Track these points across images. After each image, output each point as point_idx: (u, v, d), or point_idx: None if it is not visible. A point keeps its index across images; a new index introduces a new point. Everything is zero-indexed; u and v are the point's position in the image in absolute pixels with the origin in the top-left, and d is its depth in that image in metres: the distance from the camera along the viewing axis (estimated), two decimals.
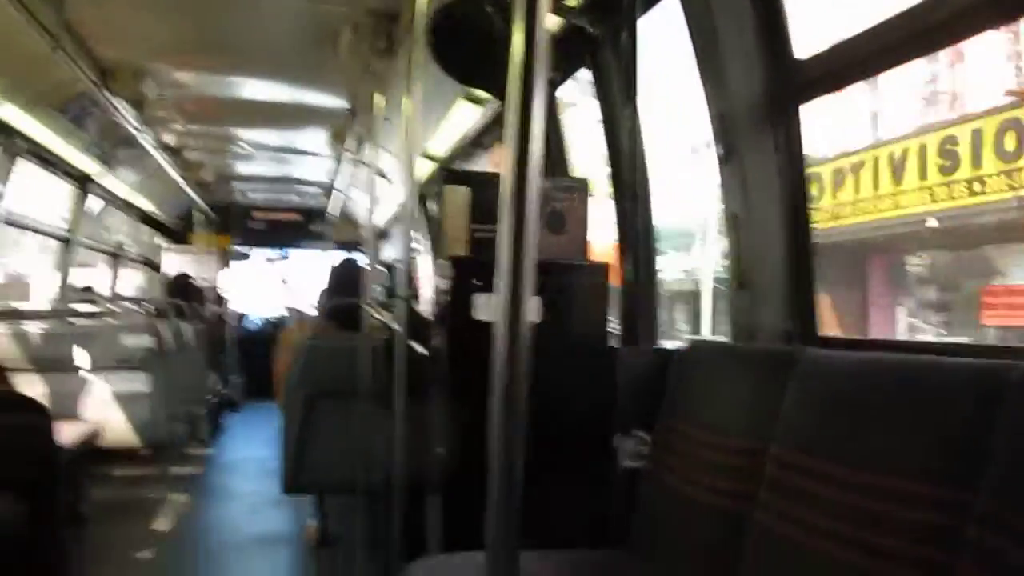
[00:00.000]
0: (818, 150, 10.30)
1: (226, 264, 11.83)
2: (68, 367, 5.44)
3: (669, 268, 13.04)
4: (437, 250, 2.64)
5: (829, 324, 10.59)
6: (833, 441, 1.65)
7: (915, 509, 1.41)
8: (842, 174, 10.35)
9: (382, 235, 10.64)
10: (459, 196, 2.52)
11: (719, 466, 2.00)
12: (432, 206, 7.30)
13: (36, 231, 7.01)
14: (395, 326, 2.83)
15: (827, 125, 9.67)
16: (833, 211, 10.38)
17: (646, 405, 2.39)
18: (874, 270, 11.17)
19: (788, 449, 1.76)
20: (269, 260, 12.58)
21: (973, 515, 1.30)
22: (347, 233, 11.18)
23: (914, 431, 1.48)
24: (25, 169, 5.62)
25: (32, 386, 5.31)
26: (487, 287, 2.29)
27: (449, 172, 2.96)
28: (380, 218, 8.80)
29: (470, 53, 2.73)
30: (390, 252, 11.25)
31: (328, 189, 9.24)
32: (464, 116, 4.68)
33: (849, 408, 1.65)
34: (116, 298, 8.29)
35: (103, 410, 5.45)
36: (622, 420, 2.44)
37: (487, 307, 2.27)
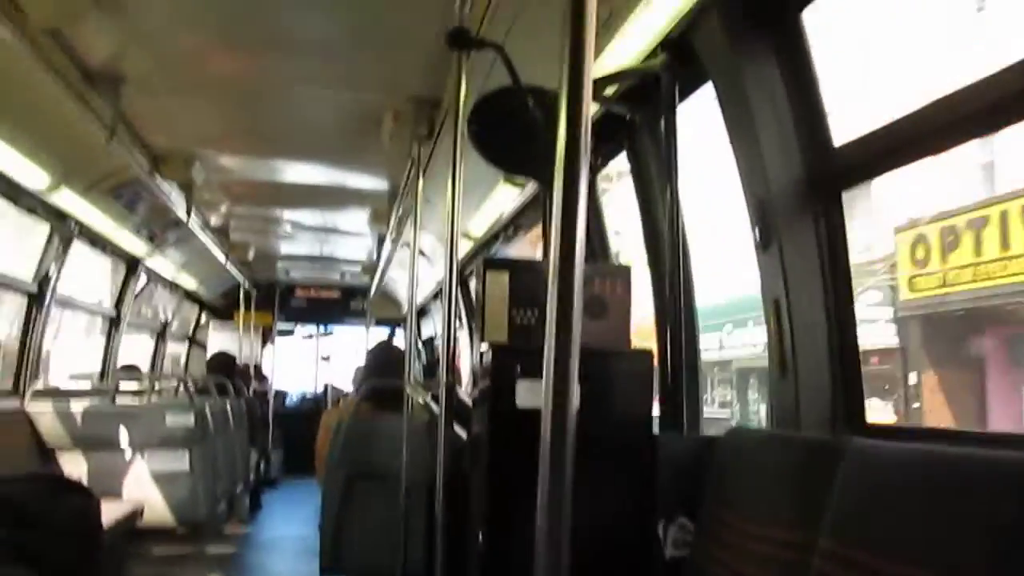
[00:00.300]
0: (915, 209, 9.10)
1: (269, 341, 11.97)
2: (112, 446, 5.49)
3: (747, 342, 12.52)
4: (477, 334, 2.66)
5: (936, 408, 9.44)
6: (883, 535, 1.60)
7: None
8: (955, 233, 8.94)
9: (421, 312, 10.71)
10: (499, 282, 2.55)
11: (766, 559, 1.95)
12: (472, 285, 7.36)
13: (88, 311, 7.17)
14: (435, 408, 2.83)
15: (924, 180, 8.59)
16: (944, 276, 9.02)
17: (689, 492, 2.36)
18: (995, 344, 9.53)
19: (837, 543, 1.71)
20: (307, 337, 12.70)
21: None
22: (387, 310, 11.28)
23: (967, 526, 1.44)
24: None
25: (76, 465, 5.37)
26: (527, 373, 2.29)
27: (489, 259, 3.00)
28: (419, 296, 8.87)
29: (509, 141, 2.79)
30: (428, 329, 11.32)
31: (369, 267, 9.36)
32: (504, 198, 4.75)
33: (899, 501, 1.61)
34: (160, 377, 8.40)
35: (145, 489, 5.48)
36: (665, 507, 2.40)
37: (530, 394, 2.27)
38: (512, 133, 2.77)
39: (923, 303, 9.44)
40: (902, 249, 9.38)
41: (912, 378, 9.57)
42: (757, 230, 2.39)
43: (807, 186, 2.32)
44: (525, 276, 2.57)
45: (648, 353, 2.54)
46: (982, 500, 1.45)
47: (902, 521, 1.58)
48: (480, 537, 2.47)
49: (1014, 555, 1.34)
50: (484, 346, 2.51)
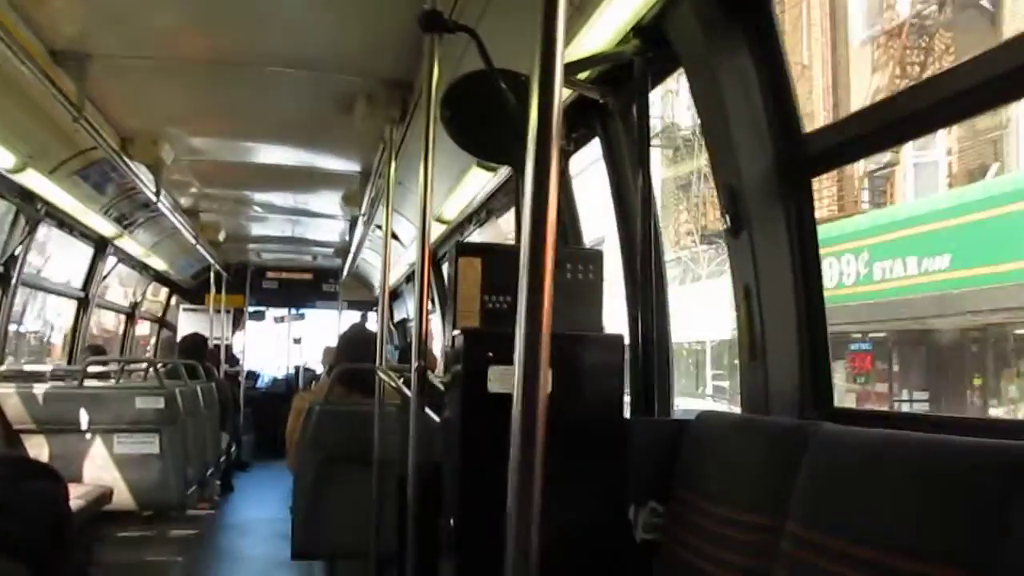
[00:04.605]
0: None
1: (240, 324, 11.89)
2: (80, 429, 5.43)
3: None
4: (449, 318, 2.65)
5: None
6: (849, 519, 1.63)
7: None
8: None
9: (394, 295, 10.68)
10: (472, 267, 2.54)
11: (733, 541, 1.98)
12: (445, 268, 7.35)
13: (55, 293, 7.08)
14: (407, 392, 2.82)
15: None
16: None
17: (660, 476, 2.38)
18: None
19: (803, 526, 1.74)
20: (278, 320, 12.63)
21: None
22: (359, 293, 11.23)
23: (931, 511, 1.47)
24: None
25: (42, 448, 5.31)
26: (499, 358, 2.29)
27: (462, 243, 2.99)
28: (392, 279, 8.84)
29: (482, 126, 2.77)
30: (401, 312, 11.30)
31: (341, 250, 9.32)
32: (476, 182, 4.73)
33: (865, 485, 1.63)
34: (129, 360, 8.32)
35: (114, 472, 5.43)
36: (636, 491, 2.42)
37: (502, 379, 2.27)
38: (484, 118, 2.76)
39: None
40: None
41: None
42: (728, 216, 2.40)
43: (777, 173, 2.33)
44: (498, 261, 2.56)
45: (619, 337, 2.55)
46: (947, 485, 1.47)
47: (868, 505, 1.60)
48: (452, 522, 2.48)
49: (977, 539, 1.36)
50: (456, 332, 2.51)
